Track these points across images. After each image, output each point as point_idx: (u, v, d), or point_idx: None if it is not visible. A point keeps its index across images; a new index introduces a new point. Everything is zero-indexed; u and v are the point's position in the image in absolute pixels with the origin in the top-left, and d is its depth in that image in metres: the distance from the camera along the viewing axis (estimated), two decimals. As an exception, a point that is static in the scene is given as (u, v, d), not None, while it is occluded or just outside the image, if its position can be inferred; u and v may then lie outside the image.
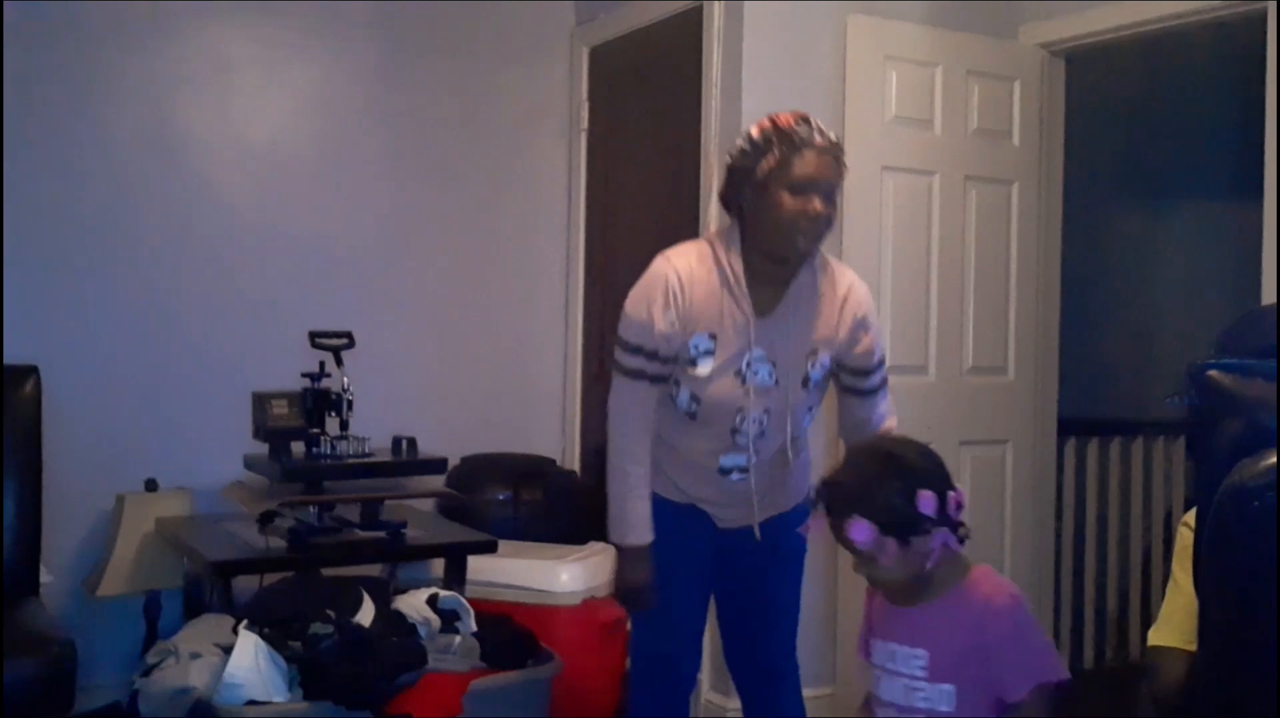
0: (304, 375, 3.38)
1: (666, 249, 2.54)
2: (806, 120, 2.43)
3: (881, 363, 2.58)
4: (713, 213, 3.67)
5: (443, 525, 3.72)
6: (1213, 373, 1.74)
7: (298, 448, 3.32)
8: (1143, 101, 5.43)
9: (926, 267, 3.83)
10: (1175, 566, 1.99)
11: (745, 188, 2.43)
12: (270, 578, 3.30)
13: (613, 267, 4.35)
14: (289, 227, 4.05)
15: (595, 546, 3.73)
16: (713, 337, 2.44)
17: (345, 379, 3.34)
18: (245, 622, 2.94)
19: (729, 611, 2.72)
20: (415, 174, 4.25)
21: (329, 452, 3.32)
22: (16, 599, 3.20)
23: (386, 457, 3.45)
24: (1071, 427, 4.44)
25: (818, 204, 2.39)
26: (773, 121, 2.44)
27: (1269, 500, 1.49)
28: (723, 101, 3.68)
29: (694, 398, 2.48)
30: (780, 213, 2.38)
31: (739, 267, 2.46)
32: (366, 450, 3.37)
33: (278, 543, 3.21)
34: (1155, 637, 1.94)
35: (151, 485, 3.71)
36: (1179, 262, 5.59)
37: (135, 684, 2.96)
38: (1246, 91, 3.75)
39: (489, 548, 3.46)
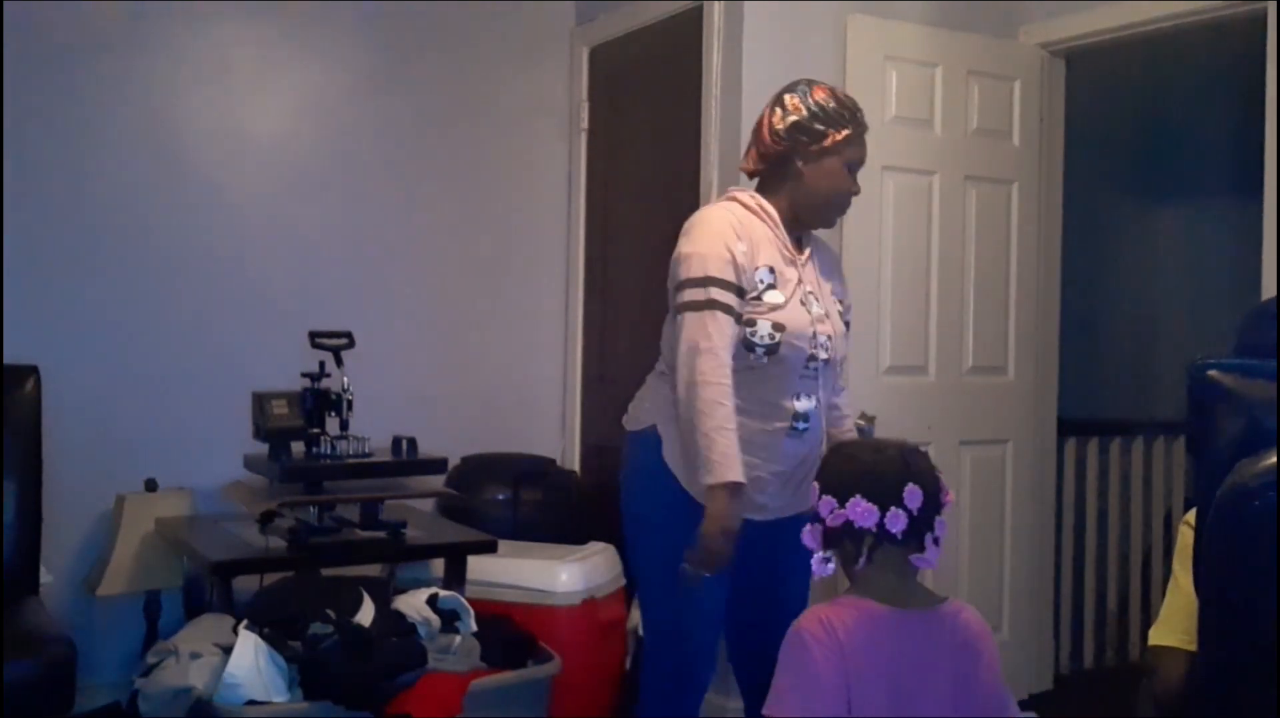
0: (304, 375, 3.38)
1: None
2: (852, 100, 2.60)
3: (848, 326, 2.70)
4: (713, 213, 3.67)
5: (443, 526, 3.72)
6: (1213, 372, 1.74)
7: (298, 448, 3.32)
8: (1143, 101, 5.44)
9: (926, 267, 3.84)
10: (1176, 565, 1.99)
11: (804, 149, 2.53)
12: (270, 578, 3.31)
13: (613, 267, 4.35)
14: (289, 226, 4.05)
15: (595, 545, 3.73)
16: (772, 269, 2.50)
17: (345, 379, 3.34)
18: (245, 622, 2.94)
19: (740, 608, 2.62)
20: (415, 174, 4.25)
21: (329, 452, 3.32)
22: (16, 599, 3.19)
23: (386, 457, 3.44)
24: (1071, 427, 4.44)
25: (854, 184, 2.58)
26: (838, 97, 2.57)
27: (1269, 500, 1.49)
28: (723, 101, 3.68)
29: (776, 326, 2.46)
30: (833, 184, 2.54)
31: (775, 214, 2.56)
32: (366, 450, 3.37)
33: (278, 543, 3.21)
34: (1155, 636, 1.94)
35: (151, 485, 3.71)
36: (1179, 262, 5.59)
37: (135, 684, 2.96)
38: (1246, 91, 3.74)
39: (489, 548, 3.46)
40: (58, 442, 3.50)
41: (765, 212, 2.55)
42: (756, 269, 2.47)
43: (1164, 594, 2.10)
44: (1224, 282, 4.74)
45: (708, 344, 2.38)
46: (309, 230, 4.08)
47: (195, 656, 2.89)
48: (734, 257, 2.43)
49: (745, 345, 2.45)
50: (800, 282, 2.53)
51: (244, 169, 4.00)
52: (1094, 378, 5.05)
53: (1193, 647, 1.79)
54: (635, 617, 3.71)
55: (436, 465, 3.55)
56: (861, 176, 3.67)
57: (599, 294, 4.40)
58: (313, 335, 3.38)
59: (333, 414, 3.36)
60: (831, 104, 2.54)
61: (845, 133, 2.53)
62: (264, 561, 3.21)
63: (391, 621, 3.08)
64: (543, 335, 4.51)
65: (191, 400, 3.87)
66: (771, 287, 2.48)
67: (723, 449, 2.34)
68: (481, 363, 4.34)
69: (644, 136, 4.23)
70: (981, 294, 3.94)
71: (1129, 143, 5.49)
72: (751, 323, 2.45)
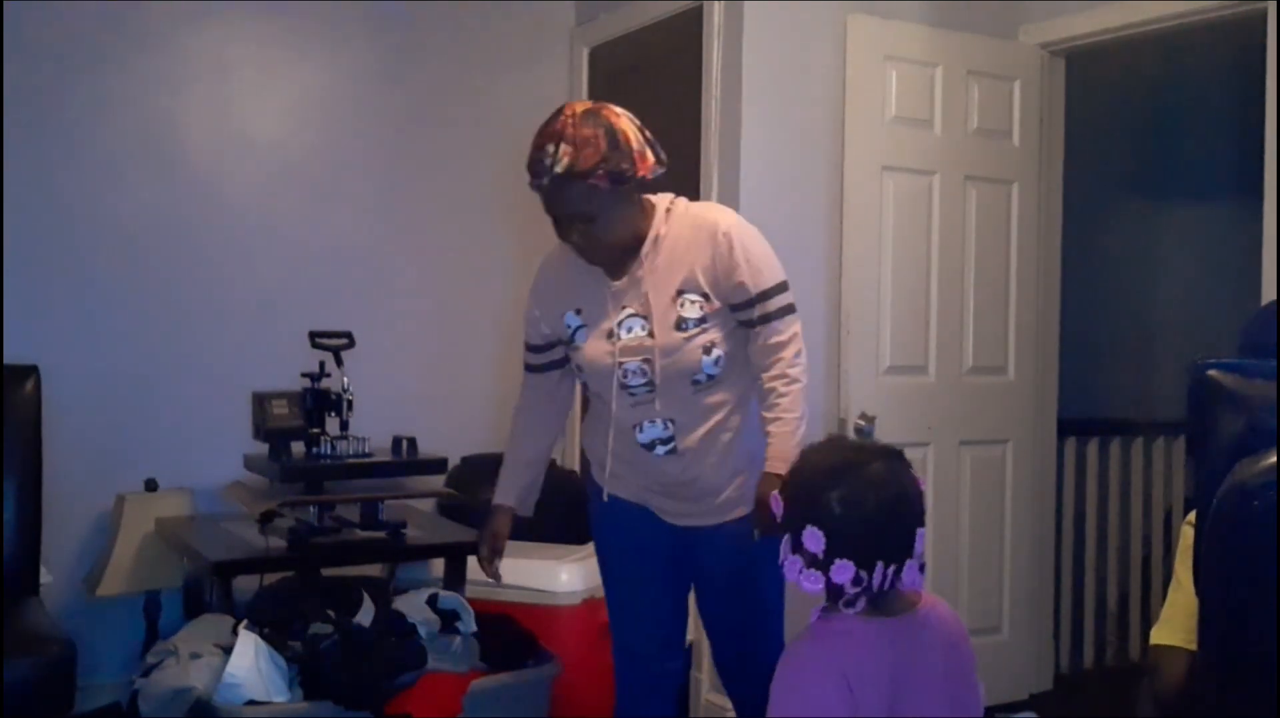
0: (304, 375, 3.38)
1: None
2: (555, 141, 2.35)
3: (766, 297, 2.44)
4: (713, 213, 3.67)
5: (443, 526, 3.72)
6: (1213, 372, 1.73)
7: (298, 448, 3.32)
8: (1143, 101, 5.44)
9: (926, 267, 3.83)
10: (1178, 565, 1.99)
11: None
12: (270, 578, 3.31)
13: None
14: (289, 227, 4.05)
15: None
16: (578, 311, 2.52)
17: (345, 379, 3.34)
18: (245, 622, 2.94)
19: (707, 615, 2.68)
20: (415, 174, 4.25)
21: (329, 452, 3.32)
22: (16, 599, 3.20)
23: (386, 457, 3.45)
24: (1071, 427, 4.44)
25: (575, 238, 2.43)
26: (533, 140, 2.43)
27: (1269, 500, 1.48)
28: (722, 101, 3.68)
29: (578, 367, 2.54)
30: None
31: None
32: (366, 450, 3.37)
33: (278, 543, 3.21)
34: (1157, 636, 1.93)
35: (151, 485, 3.71)
36: (1179, 262, 5.59)
37: (135, 684, 2.96)
38: (1246, 91, 3.74)
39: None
40: (58, 442, 3.50)
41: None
42: (563, 315, 2.54)
43: (1165, 594, 2.10)
44: (1224, 282, 4.73)
45: (518, 403, 2.74)
46: (309, 230, 4.08)
47: (195, 656, 2.89)
48: (530, 316, 2.62)
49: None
50: (619, 307, 2.46)
51: (244, 169, 4.00)
52: (1094, 378, 5.04)
53: (1194, 647, 1.79)
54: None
55: (436, 465, 3.55)
56: (861, 177, 3.73)
57: (599, 294, 4.40)
58: (313, 335, 3.38)
59: (333, 414, 3.36)
60: (530, 153, 2.42)
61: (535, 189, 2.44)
62: (264, 561, 3.21)
63: (391, 621, 3.08)
64: (543, 335, 4.50)
65: (191, 400, 3.87)
66: (581, 327, 2.51)
67: (500, 479, 2.73)
68: (481, 363, 4.34)
69: (644, 136, 4.21)
70: (981, 294, 3.94)
71: (1129, 143, 5.49)
72: (570, 362, 2.59)
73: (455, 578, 3.42)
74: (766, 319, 2.45)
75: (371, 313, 4.04)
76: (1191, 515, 1.86)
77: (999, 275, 3.99)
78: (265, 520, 3.28)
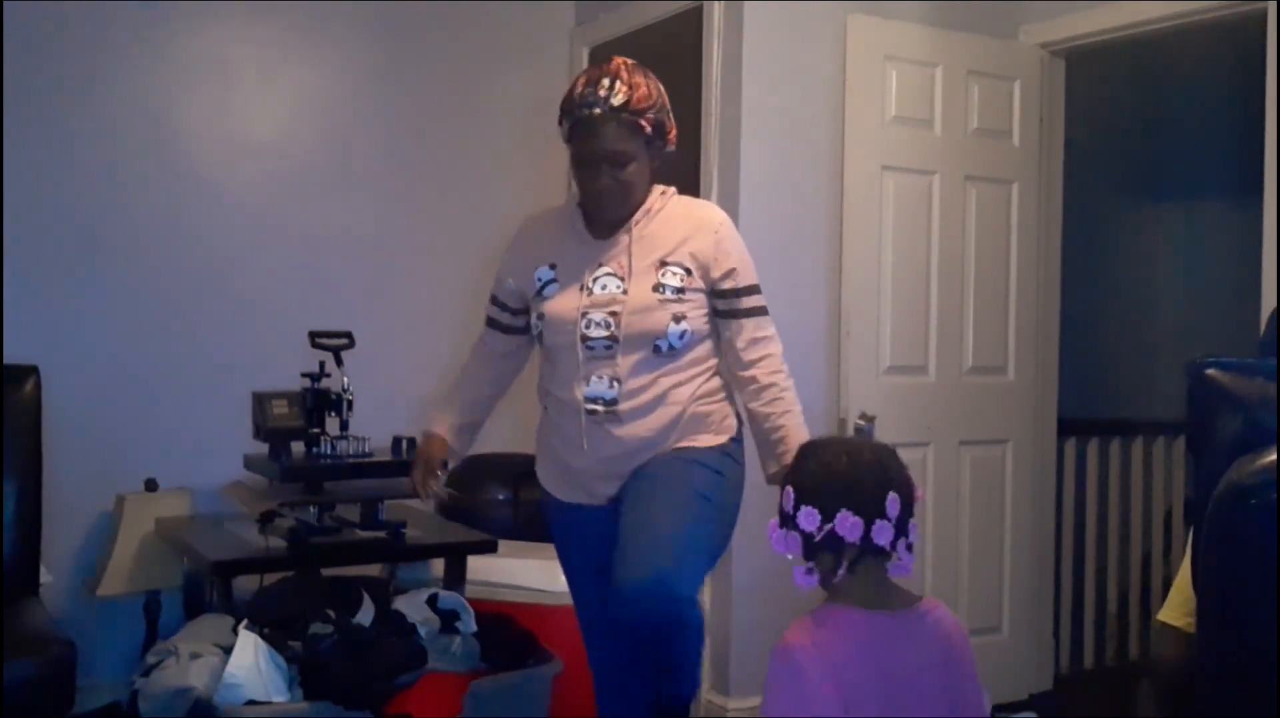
0: (304, 375, 3.38)
1: None
2: (611, 77, 2.42)
3: (748, 292, 2.53)
4: (713, 213, 3.67)
5: (443, 526, 3.72)
6: (1212, 372, 1.74)
7: (298, 448, 3.32)
8: (1143, 101, 5.44)
9: (926, 267, 3.84)
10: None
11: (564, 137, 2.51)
12: (270, 578, 3.30)
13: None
14: (289, 226, 4.05)
15: (595, 545, 3.73)
16: (552, 266, 2.53)
17: (345, 379, 3.34)
18: (245, 622, 2.94)
19: (623, 515, 2.46)
20: (415, 174, 4.25)
21: (329, 452, 3.32)
22: (16, 599, 3.19)
23: (386, 457, 3.44)
24: (1071, 427, 4.44)
25: (604, 180, 2.44)
26: (579, 81, 2.47)
27: (1267, 498, 1.49)
28: (723, 101, 3.68)
29: (540, 316, 2.53)
30: (578, 184, 2.51)
31: (575, 202, 2.58)
32: (366, 450, 3.37)
33: (278, 543, 3.21)
34: (1162, 613, 1.91)
35: (151, 485, 3.71)
36: (1179, 262, 5.59)
37: (135, 684, 2.95)
38: (1246, 91, 3.74)
39: (489, 548, 3.46)
40: (58, 442, 3.50)
41: (570, 202, 2.62)
42: (535, 269, 2.55)
43: (1165, 594, 2.10)
44: (1224, 282, 4.74)
45: (471, 352, 2.80)
46: (309, 230, 4.08)
47: (195, 656, 2.89)
48: (501, 271, 2.66)
49: (534, 341, 2.61)
50: (596, 265, 2.49)
51: (244, 169, 4.00)
52: (1094, 378, 5.05)
53: (1193, 629, 1.80)
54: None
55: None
56: (861, 177, 3.73)
57: (599, 294, 4.40)
58: (313, 335, 3.38)
59: (333, 414, 3.36)
60: (570, 90, 2.47)
61: (564, 128, 2.48)
62: (264, 561, 3.21)
63: (391, 621, 3.08)
64: (543, 335, 4.50)
65: (191, 400, 3.87)
66: (553, 281, 2.53)
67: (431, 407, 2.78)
68: (481, 363, 4.34)
69: (644, 137, 4.21)
70: (981, 294, 3.94)
71: (1129, 143, 5.49)
72: (535, 317, 2.57)
73: (455, 578, 3.42)
74: (751, 313, 2.53)
75: (371, 313, 4.04)
76: None
77: (999, 275, 3.99)
78: (265, 520, 3.28)
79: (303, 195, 4.08)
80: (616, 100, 2.39)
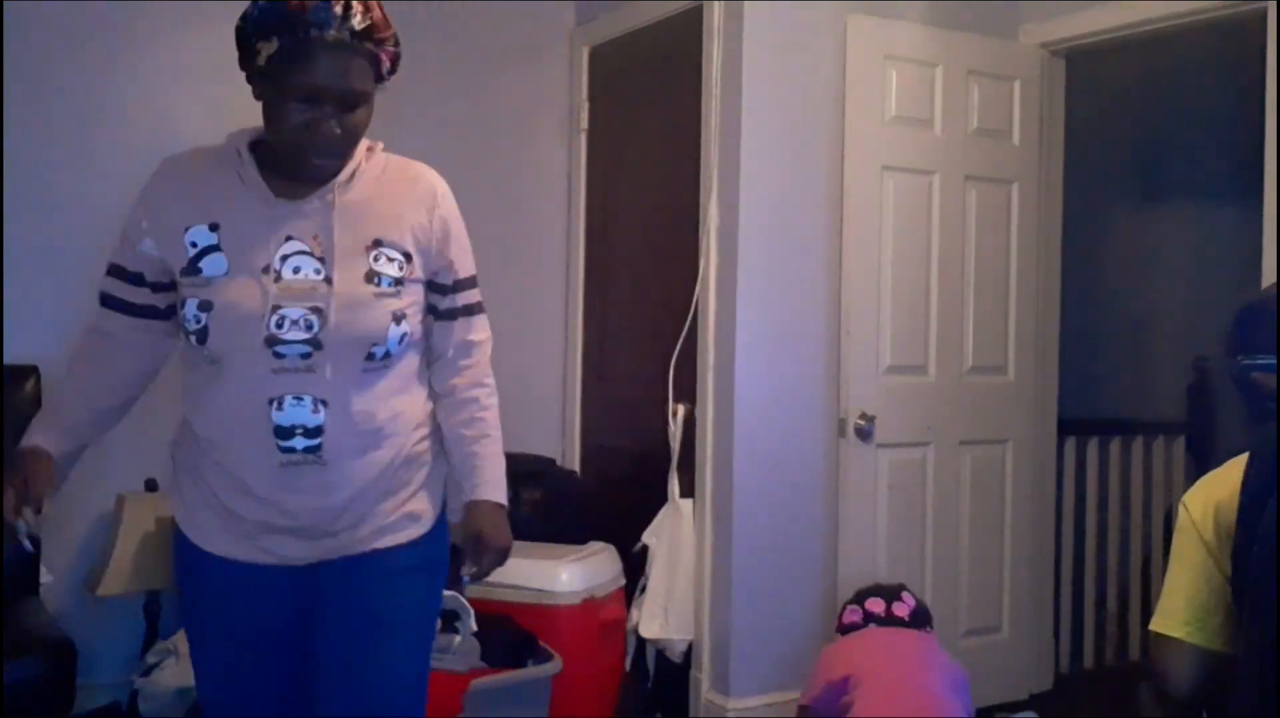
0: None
1: None
2: None
3: (468, 285, 2.11)
4: (713, 212, 3.67)
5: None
6: (1212, 370, 1.74)
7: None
8: (1143, 101, 5.44)
9: (926, 267, 3.84)
10: (1176, 546, 1.91)
11: (250, 67, 1.87)
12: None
13: (613, 267, 4.35)
14: (289, 227, 4.04)
15: (595, 545, 3.74)
16: (213, 227, 1.85)
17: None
18: (245, 622, 2.93)
19: (321, 667, 1.93)
20: (415, 174, 4.24)
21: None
22: (16, 599, 3.19)
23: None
24: (1071, 427, 4.44)
25: (325, 125, 1.82)
26: None
27: None
28: (723, 101, 3.68)
29: (203, 305, 1.83)
30: (284, 125, 1.82)
31: (243, 144, 1.92)
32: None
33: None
34: (1159, 624, 1.88)
35: (151, 485, 3.70)
36: (1178, 262, 5.59)
37: (135, 684, 2.96)
38: (1246, 91, 3.74)
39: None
40: (58, 442, 3.50)
41: (235, 143, 1.93)
42: (186, 230, 1.86)
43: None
44: (1224, 282, 4.73)
45: (80, 342, 2.08)
46: (309, 230, 4.07)
47: (195, 655, 2.89)
48: (132, 230, 1.96)
49: (184, 334, 1.90)
50: (281, 237, 1.85)
51: (244, 169, 3.99)
52: (1094, 378, 5.04)
53: (1195, 640, 1.79)
54: (635, 616, 3.72)
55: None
56: (861, 176, 3.73)
57: (599, 294, 4.40)
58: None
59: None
60: (281, 1, 1.79)
61: (272, 45, 1.80)
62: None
63: (391, 620, 3.07)
64: (543, 335, 4.50)
65: (191, 400, 3.86)
66: (214, 250, 1.84)
67: (30, 427, 2.00)
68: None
69: (644, 136, 4.23)
70: (981, 294, 3.94)
71: (1129, 143, 5.49)
72: (182, 303, 1.86)
73: (455, 578, 3.41)
74: (469, 311, 2.08)
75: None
76: (1186, 496, 1.85)
77: (999, 275, 3.99)
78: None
79: (303, 195, 4.07)
80: (357, 23, 1.81)
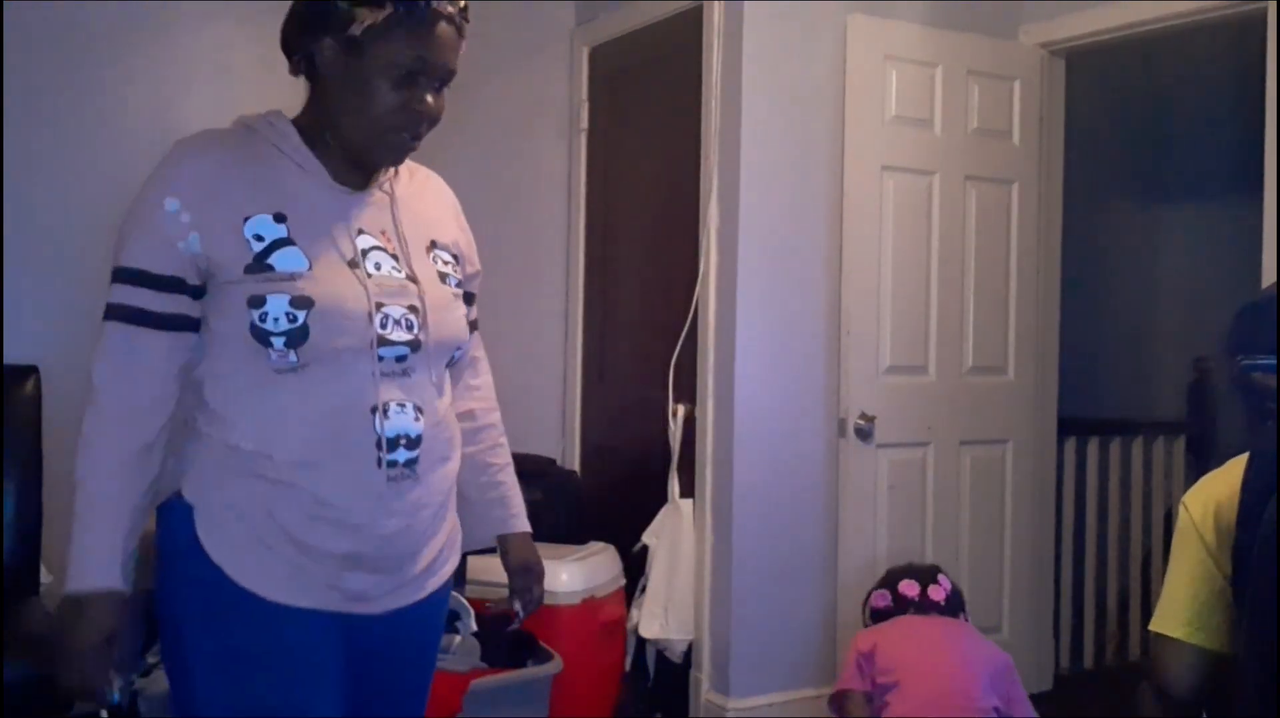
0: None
1: None
2: None
3: (475, 299, 1.99)
4: (713, 212, 3.67)
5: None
6: (1213, 371, 1.74)
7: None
8: (1143, 101, 5.44)
9: (926, 267, 3.84)
10: (1176, 547, 1.92)
11: (326, 39, 1.68)
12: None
13: (613, 267, 4.35)
14: (289, 227, 4.04)
15: (595, 545, 3.73)
16: (279, 218, 1.62)
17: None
18: (245, 622, 2.92)
19: None
20: (415, 174, 4.24)
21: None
22: (16, 599, 3.19)
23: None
24: (1071, 427, 4.44)
25: (429, 104, 1.69)
26: None
27: None
28: (723, 101, 3.68)
29: (299, 301, 1.57)
30: (372, 103, 1.65)
31: (294, 136, 1.73)
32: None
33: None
34: (1159, 624, 1.88)
35: (151, 485, 3.70)
36: (1178, 262, 5.59)
37: (135, 684, 2.95)
38: (1246, 91, 3.75)
39: (489, 548, 3.45)
40: (58, 442, 3.49)
41: (283, 127, 1.74)
42: (246, 220, 1.60)
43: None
44: (1224, 282, 4.73)
45: (99, 383, 1.71)
46: (309, 230, 4.07)
47: (195, 655, 2.88)
48: (160, 221, 1.65)
49: (258, 338, 1.59)
50: (354, 230, 1.67)
51: (244, 169, 3.99)
52: (1094, 378, 5.04)
53: (1195, 640, 1.79)
54: (635, 616, 3.72)
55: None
56: (861, 176, 3.73)
57: (599, 294, 4.40)
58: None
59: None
60: None
61: (380, 14, 1.60)
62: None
63: (391, 620, 3.07)
64: (543, 335, 4.50)
65: (191, 400, 3.86)
66: (287, 243, 1.60)
67: (76, 547, 1.64)
68: (481, 363, 4.34)
69: (644, 136, 4.23)
70: (981, 294, 3.94)
71: (1129, 143, 5.49)
72: (259, 301, 1.58)
73: (455, 578, 3.40)
74: (474, 325, 1.96)
75: (371, 313, 4.03)
76: (1186, 496, 1.85)
77: (999, 275, 3.99)
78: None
79: (303, 195, 4.07)
80: (465, 2, 1.70)
